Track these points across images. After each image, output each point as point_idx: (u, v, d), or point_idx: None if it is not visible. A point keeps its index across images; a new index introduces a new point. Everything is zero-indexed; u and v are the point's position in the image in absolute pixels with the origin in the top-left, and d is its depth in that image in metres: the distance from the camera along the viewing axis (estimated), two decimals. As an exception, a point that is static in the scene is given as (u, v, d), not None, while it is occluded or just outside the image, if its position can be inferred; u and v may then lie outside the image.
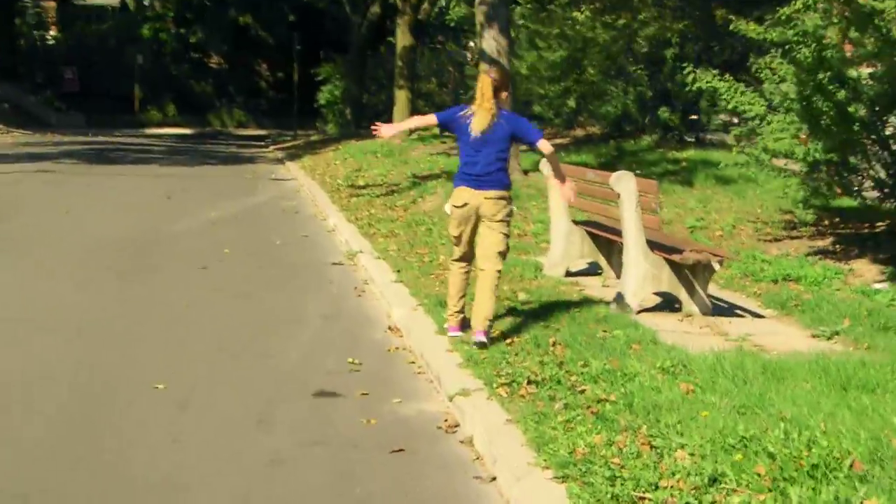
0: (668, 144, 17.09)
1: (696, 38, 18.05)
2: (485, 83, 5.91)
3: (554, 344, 5.80)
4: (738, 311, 7.18)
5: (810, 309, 6.86)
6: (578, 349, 5.66)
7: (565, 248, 8.36)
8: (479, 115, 5.89)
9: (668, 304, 7.18)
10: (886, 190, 8.81)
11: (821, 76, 8.01)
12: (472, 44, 32.62)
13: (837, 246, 8.85)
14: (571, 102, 20.01)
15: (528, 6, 23.17)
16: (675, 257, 6.78)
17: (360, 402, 5.16)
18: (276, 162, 23.71)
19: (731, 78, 9.40)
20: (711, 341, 6.22)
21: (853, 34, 7.56)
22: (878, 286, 7.65)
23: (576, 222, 8.39)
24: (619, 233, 7.66)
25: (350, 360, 5.95)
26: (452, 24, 32.87)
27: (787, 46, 8.61)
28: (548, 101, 20.87)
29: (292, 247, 10.38)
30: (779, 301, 7.20)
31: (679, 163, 14.58)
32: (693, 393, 4.70)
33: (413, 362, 6.02)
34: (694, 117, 17.53)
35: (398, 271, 8.59)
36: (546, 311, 6.82)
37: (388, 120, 24.39)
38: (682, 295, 6.96)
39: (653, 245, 6.96)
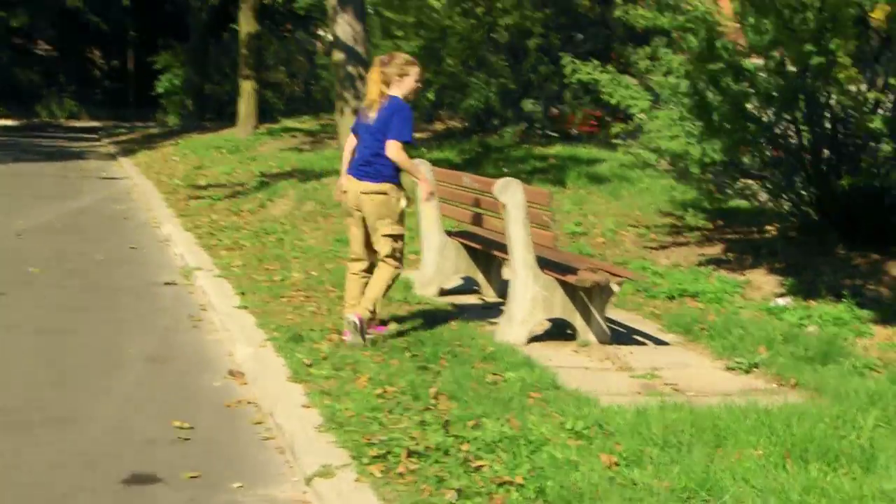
0: (533, 140, 16.36)
1: (559, 27, 17.39)
2: (373, 71, 5.83)
3: (436, 396, 4.74)
4: (639, 337, 6.32)
5: (718, 334, 6.08)
6: (466, 402, 4.62)
7: (439, 264, 7.33)
8: (370, 102, 5.81)
9: (559, 328, 6.26)
10: (789, 195, 8.21)
11: (713, 67, 7.27)
12: (322, 32, 31.26)
13: (730, 254, 8.19)
14: (430, 95, 18.99)
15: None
16: (570, 278, 5.84)
17: (186, 491, 3.94)
18: (108, 157, 21.68)
19: (613, 69, 8.61)
20: (617, 380, 5.32)
21: (751, 20, 6.84)
22: (781, 301, 6.99)
23: (450, 234, 7.37)
24: (499, 246, 6.69)
25: (178, 423, 4.70)
26: (302, 12, 31.35)
27: (673, 35, 7.86)
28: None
29: (117, 263, 8.91)
30: (681, 324, 6.40)
31: (547, 160, 13.82)
32: (617, 467, 3.73)
33: (260, 422, 4.83)
34: (556, 110, 16.87)
35: (243, 293, 7.34)
36: (422, 344, 5.75)
37: (232, 113, 22.82)
38: (578, 321, 6.04)
39: (543, 263, 6.01)
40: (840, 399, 4.65)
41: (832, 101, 7.55)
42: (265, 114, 23.74)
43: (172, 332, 6.57)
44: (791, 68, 7.55)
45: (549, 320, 6.15)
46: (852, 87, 7.27)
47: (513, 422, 4.28)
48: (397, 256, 5.85)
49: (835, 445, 3.80)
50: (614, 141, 9.74)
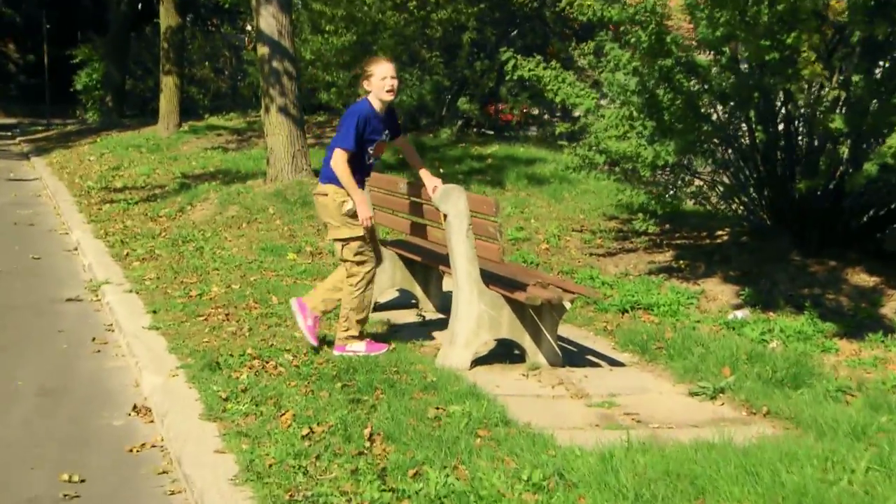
0: (469, 138, 15.82)
1: (494, 22, 16.87)
2: None
3: (371, 437, 4.13)
4: (592, 357, 5.80)
5: (677, 353, 5.59)
6: (406, 444, 4.03)
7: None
8: None
9: (506, 347, 5.70)
10: (741, 198, 7.80)
11: (664, 62, 6.80)
12: (249, 28, 30.33)
13: (681, 261, 7.74)
14: (363, 91, 18.30)
15: (310, -13, 21.32)
16: (519, 295, 5.29)
17: (71, 569, 3.29)
18: (19, 157, 20.50)
19: (559, 65, 8.08)
20: (572, 410, 4.79)
21: (704, 12, 6.38)
22: (739, 314, 6.55)
23: (385, 243, 6.76)
24: (440, 258, 6.11)
25: (67, 475, 4.02)
26: (227, 6, 30.30)
27: (621, 28, 7.38)
28: (336, 90, 19.07)
29: (16, 276, 8.10)
30: (636, 341, 5.90)
31: (485, 160, 13.29)
32: (585, 529, 3.19)
33: (165, 472, 4.17)
34: (499, 108, 16.36)
35: (154, 311, 6.63)
36: (354, 371, 5.14)
37: (154, 110, 21.78)
38: (527, 342, 5.49)
39: (488, 278, 5.45)
40: (821, 433, 4.19)
41: (788, 100, 7.16)
42: (189, 111, 22.78)
43: (72, 358, 5.85)
44: (744, 65, 7.14)
45: (497, 340, 5.59)
46: (807, 85, 6.89)
47: (460, 470, 3.71)
48: (355, 260, 5.49)
49: (829, 496, 3.31)
50: (559, 142, 9.23)
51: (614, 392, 5.09)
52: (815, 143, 7.13)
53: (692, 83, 6.85)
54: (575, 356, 5.77)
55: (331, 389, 4.87)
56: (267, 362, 5.36)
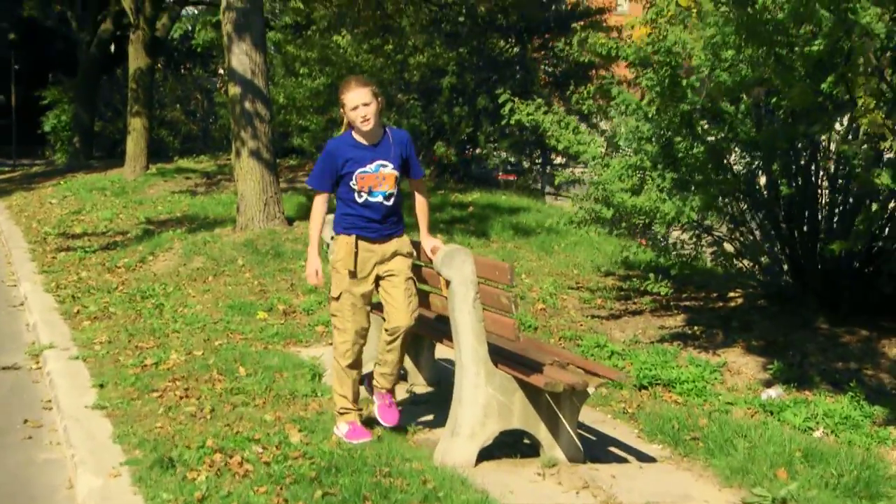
0: (448, 185, 14.89)
1: (473, 67, 16.04)
2: None
3: (363, 580, 3.10)
4: (615, 450, 4.81)
5: (718, 448, 4.61)
6: (409, 591, 3.00)
7: (354, 347, 5.68)
8: None
9: (515, 438, 4.69)
10: (759, 258, 6.89)
11: (685, 107, 5.92)
12: (221, 71, 29.42)
13: (695, 327, 6.80)
14: (336, 135, 17.33)
15: (284, 31, 20.47)
16: (537, 379, 4.30)
17: None
18: (-21, 199, 19.22)
19: (562, 109, 7.19)
20: (608, 528, 3.79)
21: (728, 53, 5.53)
22: (772, 394, 5.61)
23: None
24: (437, 330, 5.13)
25: None
26: (199, 50, 29.35)
27: (632, 70, 6.51)
28: (310, 134, 18.11)
29: (-52, 337, 6.97)
30: (666, 430, 4.92)
31: (466, 208, 12.34)
32: None
33: None
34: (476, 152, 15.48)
35: (101, 385, 5.56)
36: (336, 472, 4.11)
37: (123, 152, 20.70)
38: (542, 433, 4.49)
39: (494, 354, 4.46)
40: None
41: (815, 151, 6.31)
42: (159, 153, 21.67)
43: (-4, 448, 4.75)
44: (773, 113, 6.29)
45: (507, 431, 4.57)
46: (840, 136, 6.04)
47: None
48: (332, 322, 4.70)
49: None
50: (564, 195, 8.31)
51: (652, 500, 4.10)
52: (850, 199, 6.27)
53: (716, 131, 5.96)
54: (595, 447, 4.77)
55: (308, 499, 3.84)
56: (230, 457, 4.32)
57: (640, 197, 6.01)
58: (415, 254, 4.78)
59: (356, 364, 4.74)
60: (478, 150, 16.44)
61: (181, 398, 5.30)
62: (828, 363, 6.07)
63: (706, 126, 5.88)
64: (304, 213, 11.18)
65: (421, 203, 4.86)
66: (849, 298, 6.47)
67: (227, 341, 6.59)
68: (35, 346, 6.71)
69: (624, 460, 4.64)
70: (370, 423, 4.84)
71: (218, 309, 7.57)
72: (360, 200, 4.55)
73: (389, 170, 4.58)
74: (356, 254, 4.56)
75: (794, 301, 6.80)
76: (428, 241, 4.66)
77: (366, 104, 4.45)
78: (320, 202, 4.63)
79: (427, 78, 16.60)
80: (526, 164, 16.86)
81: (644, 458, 4.67)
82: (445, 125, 15.86)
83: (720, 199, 6.28)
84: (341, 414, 4.72)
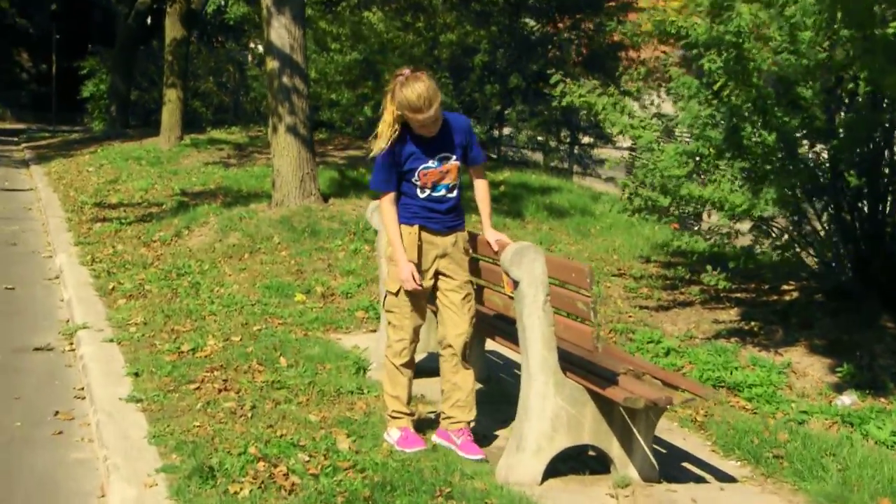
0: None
1: (505, 45, 15.28)
2: None
3: None
4: (690, 466, 4.20)
5: (807, 468, 3.98)
6: None
7: (402, 340, 5.06)
8: None
9: (579, 449, 4.07)
10: (824, 251, 6.22)
11: (757, 92, 5.22)
12: (253, 45, 28.70)
13: (752, 322, 6.15)
14: (367, 110, 16.64)
15: (315, 6, 19.72)
16: (614, 394, 3.67)
17: None
18: (19, 165, 18.69)
19: (615, 90, 6.50)
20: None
21: (843, 31, 4.81)
22: (846, 401, 4.97)
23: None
24: (494, 327, 4.51)
25: None
26: (232, 23, 28.59)
27: (693, 52, 5.80)
28: (340, 109, 17.40)
29: (-19, 313, 6.41)
30: (743, 445, 4.30)
31: (498, 187, 11.66)
32: None
33: None
34: (506, 133, 14.77)
35: (136, 374, 4.98)
36: (392, 490, 3.52)
37: (158, 121, 20.08)
38: (615, 449, 3.87)
39: (564, 360, 3.84)
40: None
41: (890, 141, 5.62)
42: (192, 124, 21.03)
43: (22, 444, 4.19)
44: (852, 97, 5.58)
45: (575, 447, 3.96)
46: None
47: None
48: (388, 319, 4.13)
49: None
50: (620, 180, 7.64)
51: (741, 531, 3.49)
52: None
53: (791, 119, 5.27)
54: (668, 463, 4.15)
55: (357, 514, 3.25)
56: (275, 467, 3.74)
57: (708, 188, 5.35)
58: (470, 249, 4.16)
59: (411, 363, 4.14)
60: (505, 130, 15.74)
61: (220, 391, 4.72)
62: (898, 366, 5.43)
63: (779, 114, 5.19)
64: (338, 190, 10.54)
65: (482, 191, 4.21)
66: (917, 297, 5.82)
67: (265, 326, 6.00)
68: (69, 326, 6.14)
69: (702, 479, 4.03)
70: (421, 427, 4.25)
71: (255, 289, 6.97)
72: (422, 196, 3.92)
73: (452, 161, 3.94)
74: (420, 245, 3.93)
75: (855, 297, 6.14)
76: (492, 235, 4.03)
77: (435, 120, 3.80)
78: (388, 203, 3.94)
79: (457, 56, 15.87)
80: (552, 144, 16.12)
81: (723, 477, 4.05)
82: (477, 102, 15.16)
83: (794, 191, 5.60)
84: (393, 418, 4.13)
